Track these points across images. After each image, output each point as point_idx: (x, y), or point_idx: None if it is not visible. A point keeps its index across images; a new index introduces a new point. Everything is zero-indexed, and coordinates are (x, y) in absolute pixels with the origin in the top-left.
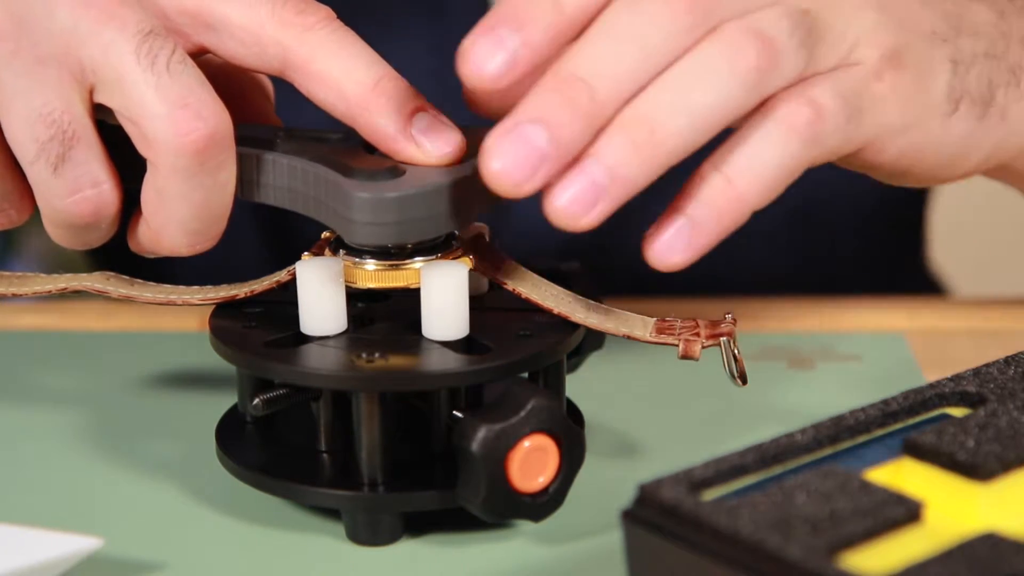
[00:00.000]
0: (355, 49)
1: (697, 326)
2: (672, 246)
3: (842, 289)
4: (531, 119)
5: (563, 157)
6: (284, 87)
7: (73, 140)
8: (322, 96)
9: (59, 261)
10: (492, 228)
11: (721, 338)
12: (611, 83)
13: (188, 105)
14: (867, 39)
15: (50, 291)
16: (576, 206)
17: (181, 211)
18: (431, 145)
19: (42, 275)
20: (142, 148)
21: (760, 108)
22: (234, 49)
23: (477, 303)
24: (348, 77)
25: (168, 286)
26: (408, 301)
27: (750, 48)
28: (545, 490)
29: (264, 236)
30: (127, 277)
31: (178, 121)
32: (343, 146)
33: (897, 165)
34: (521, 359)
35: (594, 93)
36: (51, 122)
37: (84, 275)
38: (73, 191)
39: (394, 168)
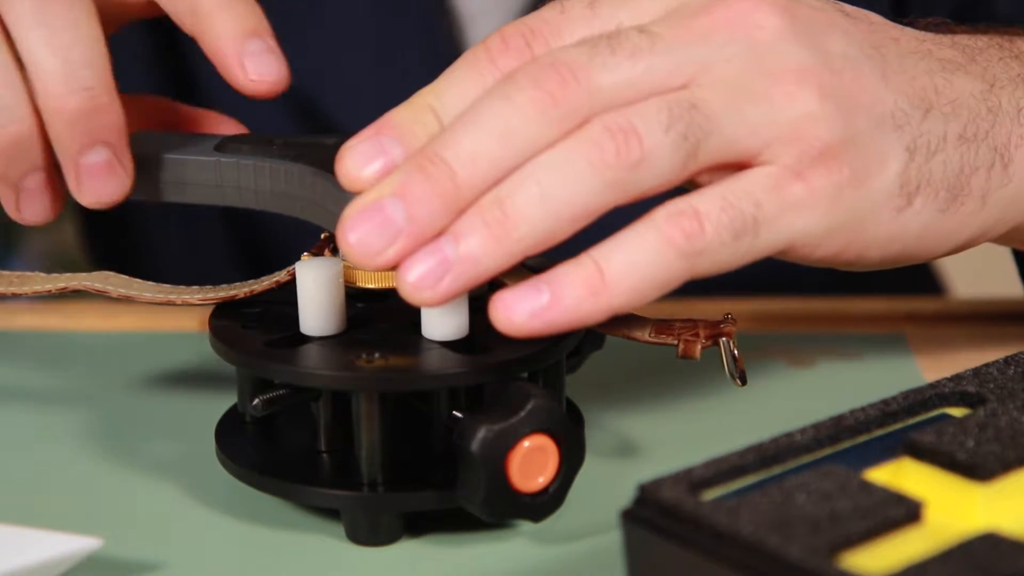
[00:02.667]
0: None
1: (697, 326)
2: (517, 307)
3: (842, 287)
4: (392, 194)
5: (418, 234)
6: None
7: None
8: (178, 7)
9: (59, 261)
10: None
11: (720, 338)
12: (472, 168)
13: None
14: (791, 133)
15: (50, 291)
16: (423, 281)
17: None
18: (252, 69)
19: (42, 275)
20: None
21: (649, 210)
22: None
23: (477, 303)
24: None
25: (167, 286)
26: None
27: (609, 143)
28: (545, 490)
29: (236, 243)
30: (127, 277)
31: None
32: (338, 150)
33: (841, 260)
34: (521, 359)
35: (455, 175)
36: None
37: (84, 275)
38: None
39: None
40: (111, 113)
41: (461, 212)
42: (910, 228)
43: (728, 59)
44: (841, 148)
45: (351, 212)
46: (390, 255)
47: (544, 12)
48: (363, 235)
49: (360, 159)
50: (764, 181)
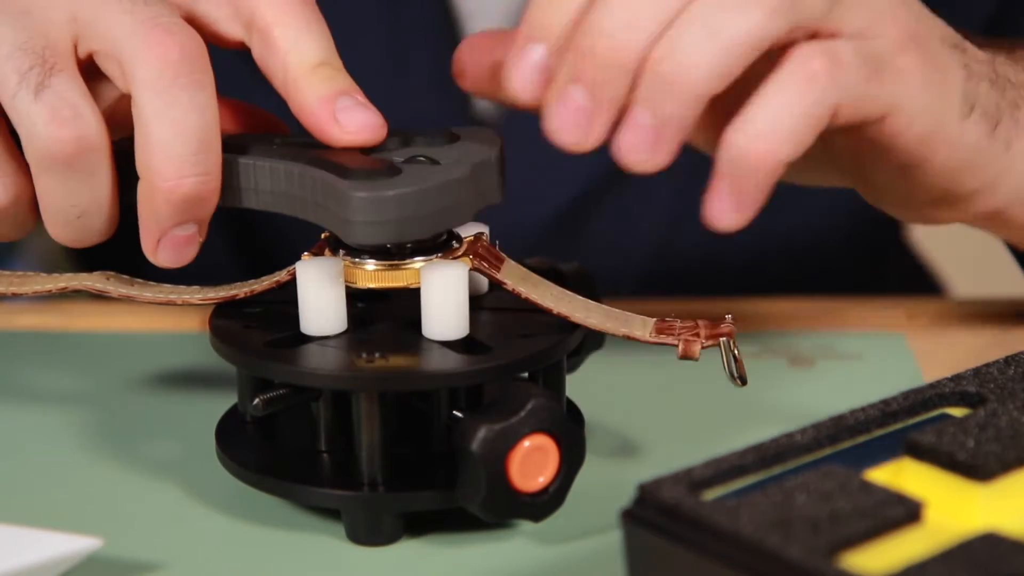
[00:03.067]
0: (313, 26)
1: (697, 326)
2: (721, 211)
3: (841, 288)
4: (568, 80)
5: (608, 108)
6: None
7: (54, 70)
8: (269, 63)
9: (59, 261)
10: (492, 228)
11: (721, 338)
12: (630, 31)
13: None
14: (888, 17)
15: (50, 291)
16: (636, 153)
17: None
18: (346, 121)
19: (42, 275)
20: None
21: (779, 60)
22: (208, 8)
23: (476, 303)
24: (295, 51)
25: (168, 286)
26: (408, 301)
27: None
28: (545, 490)
29: (234, 243)
30: (127, 277)
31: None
32: (337, 149)
33: (916, 152)
34: (521, 359)
35: (615, 43)
36: (32, 53)
37: (84, 275)
38: (53, 114)
39: (391, 167)
40: (214, 197)
41: (637, 72)
42: (968, 140)
43: None
44: (924, 42)
45: (546, 106)
46: (593, 136)
47: None
48: (561, 125)
49: (520, 83)
50: (877, 45)
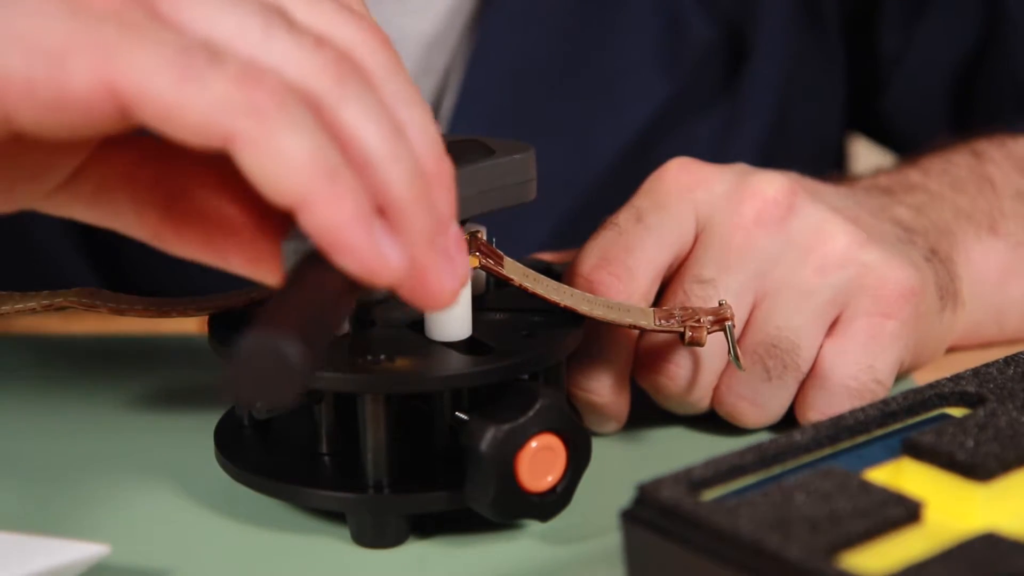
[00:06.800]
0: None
1: (696, 313)
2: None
3: None
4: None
5: None
6: None
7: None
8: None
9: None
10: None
11: (725, 323)
12: None
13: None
14: (872, 286)
15: (34, 308)
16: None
17: None
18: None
19: (17, 293)
20: None
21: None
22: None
23: (476, 303)
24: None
25: (157, 299)
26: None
27: None
28: (553, 489)
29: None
30: (108, 291)
31: None
32: None
33: (916, 367)
34: (528, 359)
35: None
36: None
37: (63, 291)
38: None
39: (484, 146)
40: None
41: None
42: (949, 326)
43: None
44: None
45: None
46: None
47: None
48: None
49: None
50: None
